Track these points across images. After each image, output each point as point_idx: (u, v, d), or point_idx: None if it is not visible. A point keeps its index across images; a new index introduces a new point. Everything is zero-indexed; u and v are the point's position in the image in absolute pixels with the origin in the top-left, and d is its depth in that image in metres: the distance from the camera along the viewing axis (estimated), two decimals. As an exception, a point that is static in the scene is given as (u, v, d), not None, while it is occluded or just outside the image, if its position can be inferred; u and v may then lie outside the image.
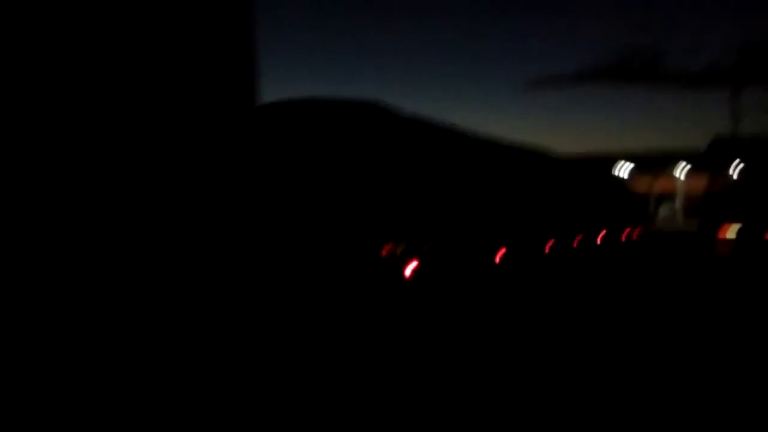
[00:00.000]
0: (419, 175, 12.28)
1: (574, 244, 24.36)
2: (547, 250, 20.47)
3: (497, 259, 15.89)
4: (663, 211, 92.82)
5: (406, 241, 11.05)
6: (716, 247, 27.81)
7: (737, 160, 33.31)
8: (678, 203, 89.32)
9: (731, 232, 27.66)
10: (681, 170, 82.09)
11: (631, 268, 22.22)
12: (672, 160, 77.37)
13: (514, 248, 17.25)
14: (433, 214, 12.59)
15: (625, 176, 60.56)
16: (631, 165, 76.31)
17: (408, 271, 11.26)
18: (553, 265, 20.23)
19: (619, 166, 66.82)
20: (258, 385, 6.68)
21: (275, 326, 8.92)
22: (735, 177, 32.91)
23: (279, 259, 9.56)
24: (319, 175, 10.38)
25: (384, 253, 10.59)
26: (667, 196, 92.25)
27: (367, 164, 10.86)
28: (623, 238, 35.44)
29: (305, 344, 8.54)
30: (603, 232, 29.40)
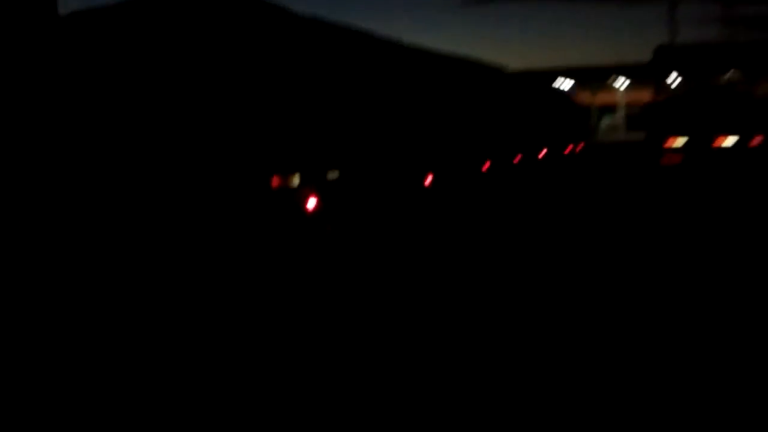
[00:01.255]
0: (322, 88, 9.94)
1: (515, 161, 22.50)
2: (484, 170, 18.51)
3: (426, 183, 13.68)
4: (605, 123, 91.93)
5: (302, 170, 8.78)
6: (663, 157, 26.23)
7: (679, 70, 31.86)
8: (620, 116, 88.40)
9: (678, 142, 26.07)
10: (621, 83, 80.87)
11: (575, 182, 20.52)
12: (612, 74, 75.87)
13: (445, 170, 15.21)
14: (340, 136, 10.24)
15: (567, 90, 58.90)
16: (571, 80, 74.83)
17: (310, 205, 9.05)
18: (490, 186, 18.29)
19: (560, 81, 65.11)
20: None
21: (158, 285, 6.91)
22: (678, 86, 31.40)
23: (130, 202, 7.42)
24: (164, 90, 7.94)
25: (274, 184, 8.38)
26: (609, 109, 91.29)
27: (240, 72, 8.39)
28: (566, 152, 33.95)
29: (195, 297, 6.53)
30: (545, 149, 27.79)
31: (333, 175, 9.70)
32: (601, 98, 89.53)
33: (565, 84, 69.61)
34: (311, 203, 9.06)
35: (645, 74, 73.86)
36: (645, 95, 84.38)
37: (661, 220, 11.96)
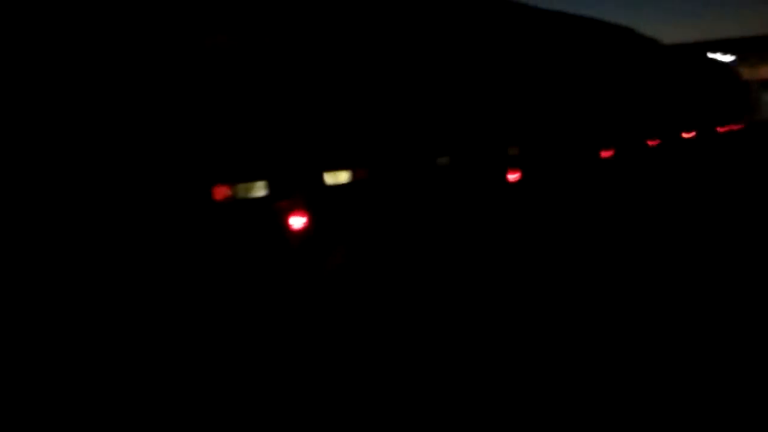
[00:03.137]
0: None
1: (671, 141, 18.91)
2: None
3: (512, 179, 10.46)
4: (766, 97, 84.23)
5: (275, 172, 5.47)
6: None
7: None
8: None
9: None
10: (786, 54, 73.22)
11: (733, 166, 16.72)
12: (775, 44, 68.58)
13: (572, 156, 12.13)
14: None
15: (727, 63, 53.35)
16: (731, 54, 68.26)
17: (295, 225, 5.69)
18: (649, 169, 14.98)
19: (718, 54, 59.06)
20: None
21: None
22: None
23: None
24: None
25: (219, 196, 5.14)
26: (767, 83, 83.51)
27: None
28: (724, 131, 29.51)
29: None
30: (703, 128, 23.83)
31: (339, 178, 6.34)
32: (763, 72, 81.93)
33: (725, 57, 63.53)
34: (296, 223, 5.74)
35: (813, 44, 66.47)
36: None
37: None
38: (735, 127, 32.79)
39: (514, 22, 11.36)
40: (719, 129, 28.70)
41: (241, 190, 5.46)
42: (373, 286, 6.37)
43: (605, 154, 13.72)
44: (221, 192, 5.33)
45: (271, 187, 5.62)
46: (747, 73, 63.63)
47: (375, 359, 4.52)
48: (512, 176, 10.16)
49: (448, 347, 4.63)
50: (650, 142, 17.16)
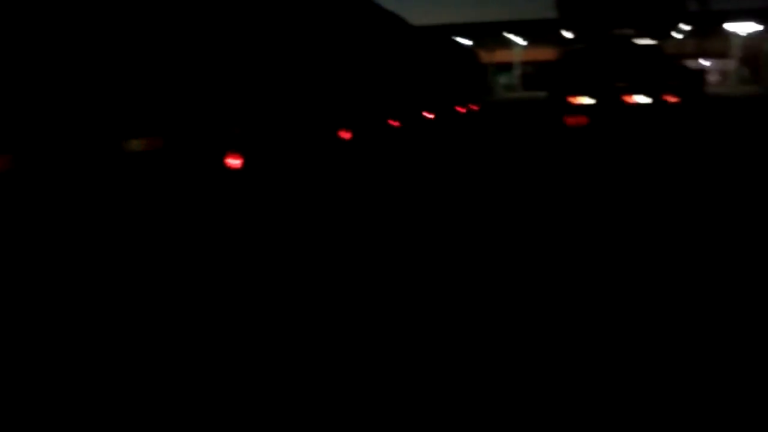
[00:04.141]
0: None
1: (413, 118, 18.78)
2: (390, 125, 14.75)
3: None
4: (502, 81, 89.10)
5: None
6: (568, 116, 22.51)
7: (580, 24, 28.13)
8: (516, 74, 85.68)
9: (584, 99, 22.43)
10: (518, 40, 77.93)
11: (477, 143, 16.88)
12: (508, 30, 72.64)
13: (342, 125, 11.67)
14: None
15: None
16: (469, 38, 71.53)
17: None
18: (393, 143, 14.56)
19: (459, 38, 61.52)
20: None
21: None
22: (580, 41, 27.64)
23: None
24: None
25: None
26: (505, 67, 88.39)
27: None
28: (464, 110, 30.42)
29: None
30: (446, 107, 24.18)
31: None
32: (498, 55, 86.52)
33: (466, 41, 66.29)
34: None
35: (542, 31, 71.01)
36: (542, 53, 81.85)
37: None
38: (474, 107, 34.01)
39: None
40: (459, 109, 29.55)
41: None
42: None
43: (344, 135, 13.32)
44: None
45: None
46: (484, 56, 66.62)
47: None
48: (233, 161, 9.38)
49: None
50: (393, 123, 17.06)
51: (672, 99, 21.92)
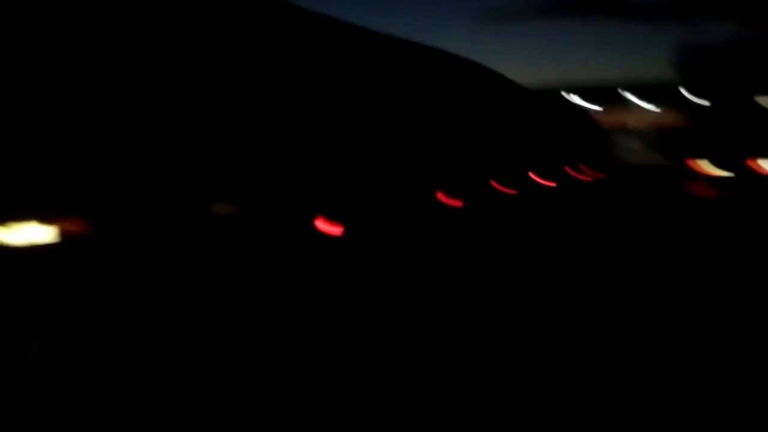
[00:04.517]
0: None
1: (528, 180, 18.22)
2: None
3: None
4: (623, 145, 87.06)
5: None
6: (693, 185, 21.22)
7: (707, 88, 26.93)
8: (639, 137, 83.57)
9: (713, 168, 21.06)
10: (640, 103, 75.76)
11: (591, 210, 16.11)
12: (630, 92, 70.80)
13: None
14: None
15: (587, 109, 54.44)
16: (589, 100, 70.01)
17: None
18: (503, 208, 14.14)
19: (576, 98, 60.24)
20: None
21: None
22: (706, 105, 26.36)
23: None
24: None
25: None
26: (626, 130, 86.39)
27: None
28: (587, 177, 29.43)
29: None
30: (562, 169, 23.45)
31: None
32: (618, 118, 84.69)
33: (584, 103, 65.08)
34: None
35: (668, 94, 68.96)
36: (668, 117, 79.51)
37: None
38: (598, 175, 32.67)
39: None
40: (581, 176, 28.49)
41: None
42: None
43: (454, 203, 12.78)
44: None
45: None
46: (607, 120, 65.37)
47: None
48: (330, 228, 8.97)
49: None
50: (507, 190, 16.41)
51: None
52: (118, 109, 6.72)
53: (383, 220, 10.82)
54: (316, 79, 9.43)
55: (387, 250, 10.08)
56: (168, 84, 7.25)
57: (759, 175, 20.01)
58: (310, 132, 9.29)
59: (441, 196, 12.69)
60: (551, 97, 27.65)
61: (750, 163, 20.96)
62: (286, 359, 5.12)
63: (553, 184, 21.68)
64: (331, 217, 9.29)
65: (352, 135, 10.27)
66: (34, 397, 4.05)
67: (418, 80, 12.45)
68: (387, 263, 9.32)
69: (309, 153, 9.25)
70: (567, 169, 25.16)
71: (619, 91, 70.33)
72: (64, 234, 6.15)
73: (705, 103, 25.97)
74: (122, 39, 6.77)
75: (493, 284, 8.08)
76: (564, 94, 49.60)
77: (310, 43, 9.30)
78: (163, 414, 3.95)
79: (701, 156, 21.73)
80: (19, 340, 5.33)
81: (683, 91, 28.25)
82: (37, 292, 5.81)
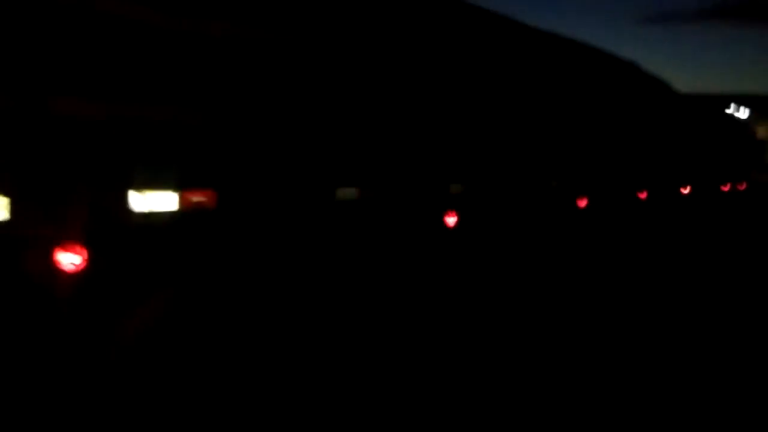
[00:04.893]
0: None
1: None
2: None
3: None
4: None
5: None
6: None
7: None
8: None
9: None
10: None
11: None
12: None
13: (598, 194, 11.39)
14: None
15: (743, 119, 52.02)
16: (747, 108, 66.71)
17: None
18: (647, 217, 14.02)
19: (734, 108, 57.61)
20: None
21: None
22: None
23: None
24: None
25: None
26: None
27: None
28: (727, 188, 28.27)
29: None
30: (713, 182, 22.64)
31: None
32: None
33: (740, 112, 62.14)
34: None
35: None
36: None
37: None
38: (740, 187, 31.43)
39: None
40: (722, 186, 27.47)
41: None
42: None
43: (580, 202, 12.62)
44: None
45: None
46: (762, 131, 62.26)
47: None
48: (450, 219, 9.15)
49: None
50: (638, 194, 16.05)
51: None
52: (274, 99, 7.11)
53: (504, 212, 10.88)
54: (468, 75, 9.68)
55: (503, 238, 10.23)
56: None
57: None
58: (463, 123, 9.60)
59: (577, 200, 12.60)
60: (706, 104, 26.65)
61: None
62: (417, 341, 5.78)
63: (685, 191, 21.03)
64: (452, 209, 9.46)
65: (500, 129, 10.45)
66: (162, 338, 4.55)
67: (572, 80, 12.41)
68: (503, 257, 9.47)
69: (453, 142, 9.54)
70: (712, 178, 24.27)
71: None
72: (194, 203, 6.54)
73: None
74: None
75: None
76: (726, 103, 47.55)
77: (470, 37, 9.58)
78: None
79: None
80: (152, 289, 5.90)
81: None
82: (167, 252, 6.23)
